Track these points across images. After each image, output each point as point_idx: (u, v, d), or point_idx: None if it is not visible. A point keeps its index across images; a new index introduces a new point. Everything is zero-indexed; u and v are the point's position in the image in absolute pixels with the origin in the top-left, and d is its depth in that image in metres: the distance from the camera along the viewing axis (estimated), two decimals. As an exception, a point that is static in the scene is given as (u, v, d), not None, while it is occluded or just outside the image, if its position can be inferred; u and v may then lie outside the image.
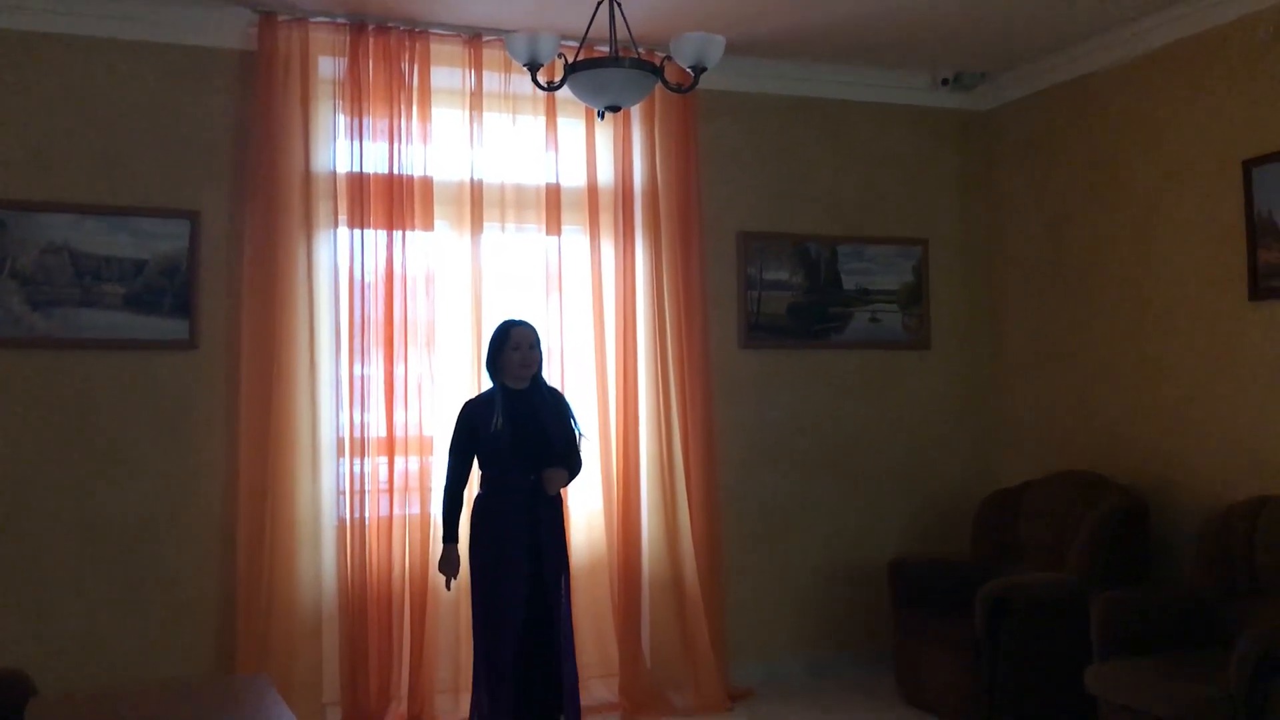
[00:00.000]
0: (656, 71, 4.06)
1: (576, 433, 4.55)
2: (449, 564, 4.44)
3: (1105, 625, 4.32)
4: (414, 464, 5.16)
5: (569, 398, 4.75)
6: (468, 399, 4.61)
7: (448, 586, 4.52)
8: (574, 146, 5.48)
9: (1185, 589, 4.62)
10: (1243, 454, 4.86)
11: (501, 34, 5.03)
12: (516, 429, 4.35)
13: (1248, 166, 4.83)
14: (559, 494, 4.53)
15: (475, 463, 4.47)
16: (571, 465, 4.54)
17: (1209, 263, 5.04)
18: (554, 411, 4.49)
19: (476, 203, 5.28)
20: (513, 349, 4.42)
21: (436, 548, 5.08)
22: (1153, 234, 5.34)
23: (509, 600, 4.30)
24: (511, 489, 4.36)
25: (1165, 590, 4.87)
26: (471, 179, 5.29)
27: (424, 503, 5.13)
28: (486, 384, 5.17)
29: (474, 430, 4.40)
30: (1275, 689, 3.62)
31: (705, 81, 4.19)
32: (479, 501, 4.45)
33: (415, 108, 5.22)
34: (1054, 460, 5.78)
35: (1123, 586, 4.67)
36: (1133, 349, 5.44)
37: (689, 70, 3.98)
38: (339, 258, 5.13)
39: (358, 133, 5.12)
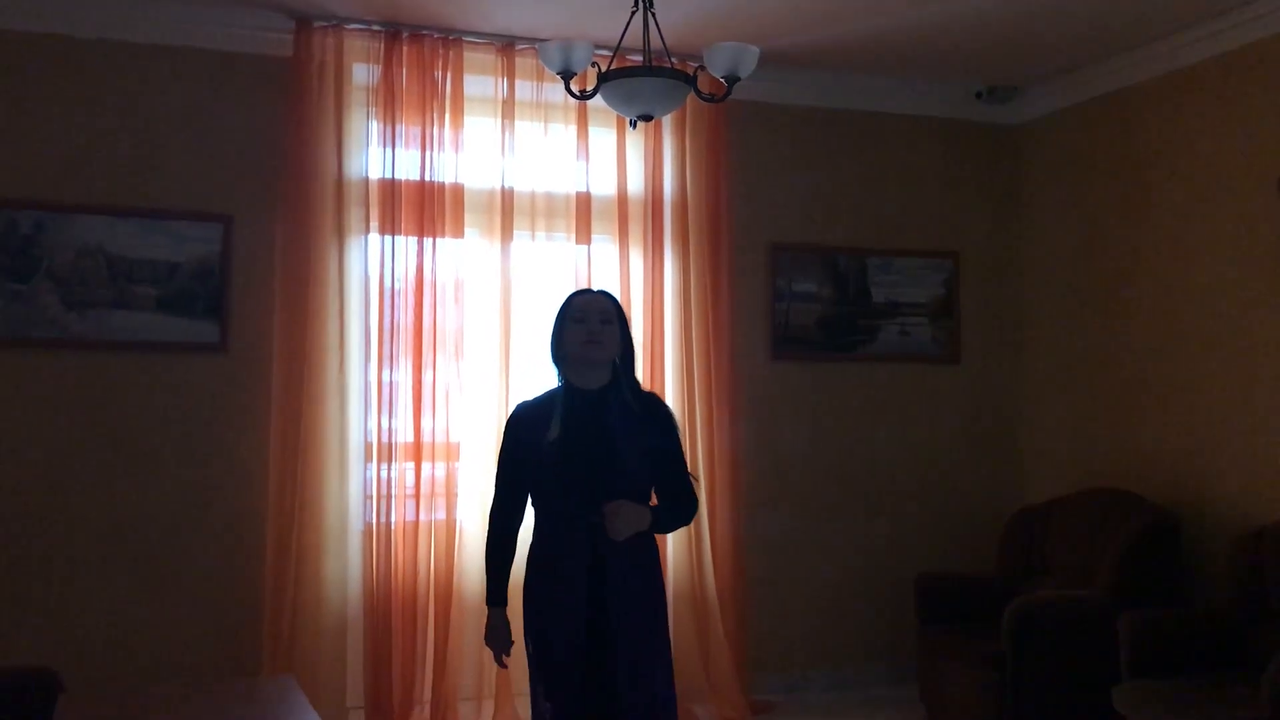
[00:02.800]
0: (690, 81, 4.06)
1: (677, 459, 3.27)
2: (495, 635, 3.25)
3: (1134, 645, 4.28)
4: (440, 470, 5.18)
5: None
6: (521, 402, 3.35)
7: (498, 661, 3.33)
8: (605, 155, 5.49)
9: (1216, 609, 4.57)
10: (1275, 473, 4.81)
11: (535, 42, 5.06)
12: (572, 444, 3.10)
13: (1284, 184, 4.79)
14: (645, 543, 3.18)
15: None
16: (672, 505, 3.26)
17: (1242, 280, 5.00)
18: (639, 425, 3.17)
19: (507, 211, 5.30)
20: (575, 320, 3.19)
21: (463, 553, 5.12)
22: (1186, 250, 5.30)
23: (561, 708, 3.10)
24: (563, 534, 3.12)
25: (1195, 610, 4.83)
26: (502, 187, 5.31)
27: (449, 508, 5.14)
28: (517, 386, 5.18)
29: (521, 444, 3.19)
30: (1307, 712, 3.57)
31: (738, 92, 4.19)
32: (531, 552, 3.24)
33: (448, 115, 5.24)
34: (1083, 477, 5.73)
35: (1152, 606, 4.62)
36: (1164, 365, 5.40)
37: (722, 80, 3.98)
38: (369, 264, 5.16)
39: (390, 139, 5.15)
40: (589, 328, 3.18)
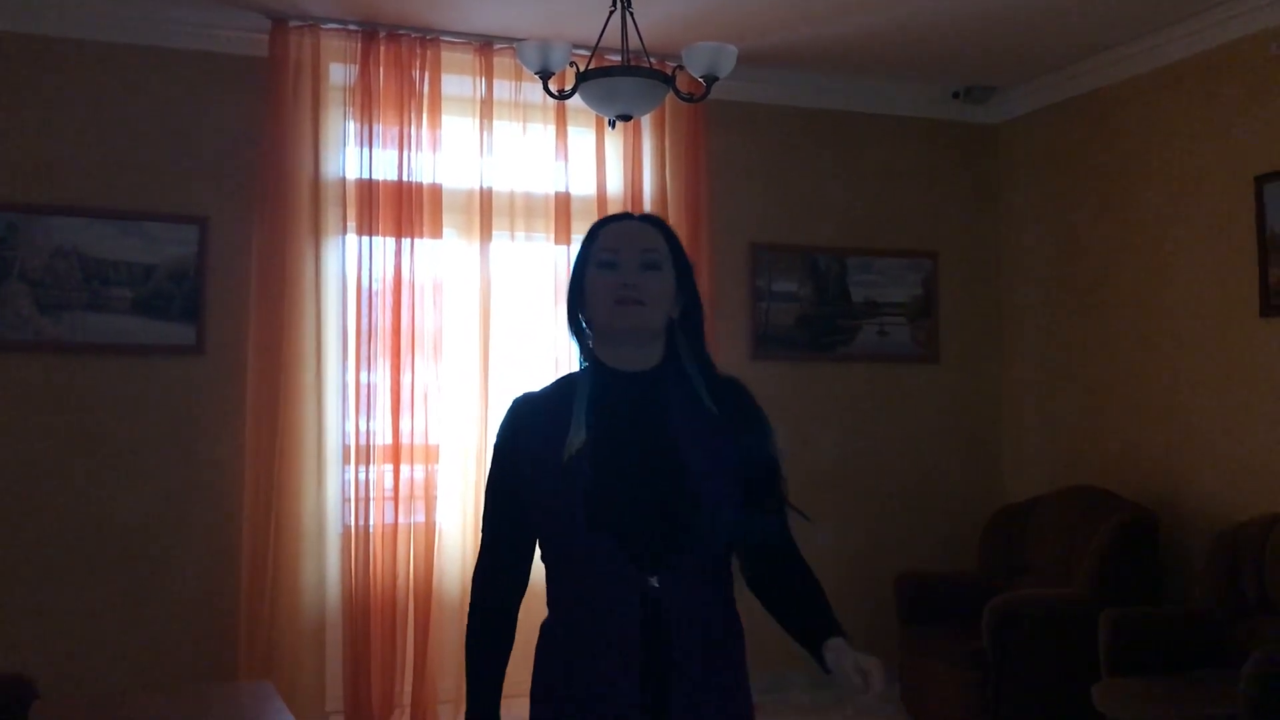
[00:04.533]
0: (668, 81, 4.05)
1: (773, 485, 2.18)
2: None
3: (1114, 642, 4.29)
4: (419, 472, 5.15)
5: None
6: (522, 393, 2.07)
7: None
8: (584, 155, 5.47)
9: (1195, 606, 4.59)
10: (1253, 471, 4.84)
11: (513, 42, 5.03)
12: (610, 456, 1.91)
13: (1259, 183, 4.81)
14: (721, 617, 2.12)
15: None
16: (784, 572, 2.23)
17: (1220, 279, 5.02)
18: (715, 426, 2.04)
19: (485, 211, 5.27)
20: (600, 264, 2.02)
21: (442, 556, 5.08)
22: (1164, 249, 5.32)
23: None
24: (603, 611, 1.89)
25: (1174, 607, 4.85)
26: (481, 187, 5.28)
27: (429, 511, 5.11)
28: (497, 388, 5.13)
29: (524, 463, 1.95)
30: (1285, 709, 3.59)
31: (716, 91, 4.19)
32: (543, 638, 1.99)
33: (425, 115, 5.21)
34: (1063, 476, 5.75)
35: (1131, 603, 4.64)
36: (1143, 364, 5.42)
37: (701, 80, 3.98)
38: (347, 264, 5.13)
39: (367, 139, 5.12)
40: (622, 275, 1.98)
